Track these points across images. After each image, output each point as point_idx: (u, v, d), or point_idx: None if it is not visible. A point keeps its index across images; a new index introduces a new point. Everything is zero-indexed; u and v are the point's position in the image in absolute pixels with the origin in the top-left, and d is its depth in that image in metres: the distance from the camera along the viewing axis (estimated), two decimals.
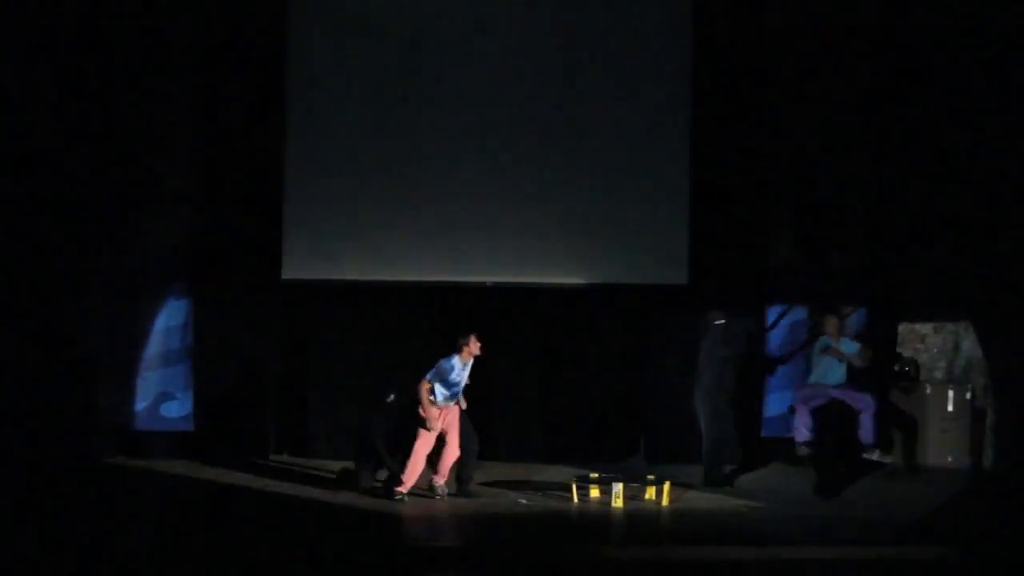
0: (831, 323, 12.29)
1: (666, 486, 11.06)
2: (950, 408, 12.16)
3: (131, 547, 8.83)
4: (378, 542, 9.62)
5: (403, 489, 11.03)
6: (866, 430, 11.87)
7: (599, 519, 10.58)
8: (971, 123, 12.49)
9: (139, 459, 12.32)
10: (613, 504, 10.83)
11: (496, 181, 13.00)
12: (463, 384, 11.32)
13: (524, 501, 11.06)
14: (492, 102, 13.02)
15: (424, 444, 11.13)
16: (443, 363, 11.19)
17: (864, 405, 11.93)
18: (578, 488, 11.09)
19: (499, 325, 13.24)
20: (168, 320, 12.83)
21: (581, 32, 13.09)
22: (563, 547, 9.38)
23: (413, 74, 13.01)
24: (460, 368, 11.26)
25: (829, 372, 12.15)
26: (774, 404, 12.96)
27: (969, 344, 12.43)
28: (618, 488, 10.89)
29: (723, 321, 12.27)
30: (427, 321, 13.07)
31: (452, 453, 11.27)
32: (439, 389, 11.18)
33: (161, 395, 12.77)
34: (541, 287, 13.02)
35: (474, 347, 11.29)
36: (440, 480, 11.26)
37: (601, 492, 11.05)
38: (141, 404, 12.71)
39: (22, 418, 11.99)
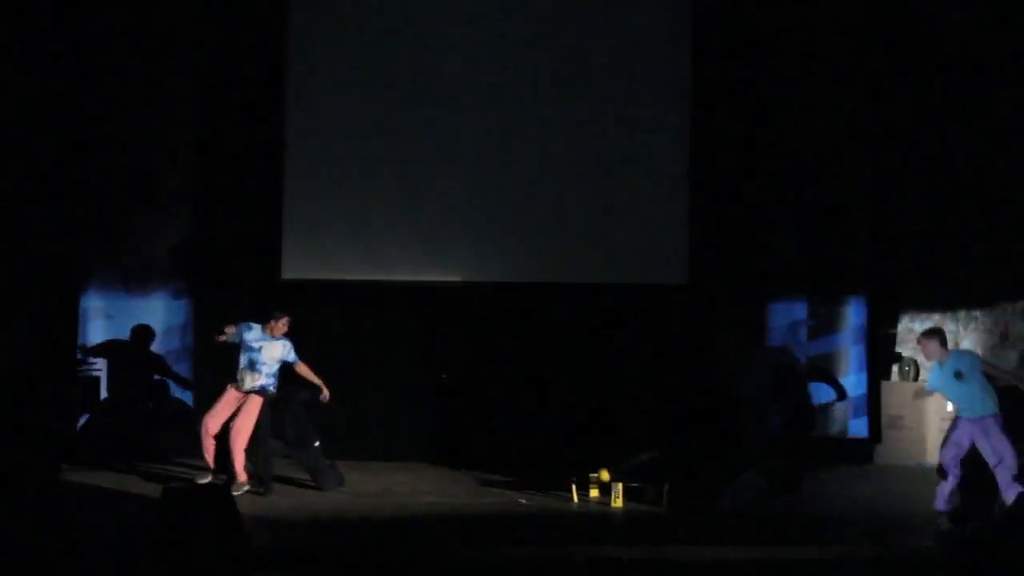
0: (928, 342, 10.12)
1: (665, 486, 11.03)
2: (950, 408, 12.12)
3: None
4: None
5: (240, 478, 10.88)
6: (1006, 492, 9.80)
7: (598, 519, 10.56)
8: (972, 120, 12.48)
9: (137, 459, 12.30)
10: (612, 504, 10.81)
11: (496, 181, 13.01)
12: (263, 363, 11.01)
13: (524, 501, 11.05)
14: (492, 102, 13.04)
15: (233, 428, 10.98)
16: (247, 323, 11.13)
17: (1000, 455, 9.89)
18: (577, 488, 11.07)
19: (499, 325, 13.24)
20: (168, 320, 12.84)
21: (581, 31, 13.10)
22: (561, 547, 9.36)
23: (413, 73, 13.03)
24: (259, 336, 11.06)
25: (973, 400, 10.08)
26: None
27: (969, 344, 12.42)
28: (617, 488, 10.87)
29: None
30: (427, 321, 13.06)
31: (241, 441, 10.96)
32: (241, 355, 11.07)
33: (161, 395, 12.79)
34: (541, 287, 13.02)
35: (279, 326, 11.11)
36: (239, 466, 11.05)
37: (600, 492, 11.03)
38: (140, 404, 12.72)
39: (21, 419, 11.99)
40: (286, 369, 11.23)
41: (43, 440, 11.89)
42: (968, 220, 12.51)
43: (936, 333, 10.28)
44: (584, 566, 8.91)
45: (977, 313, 12.44)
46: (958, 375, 10.10)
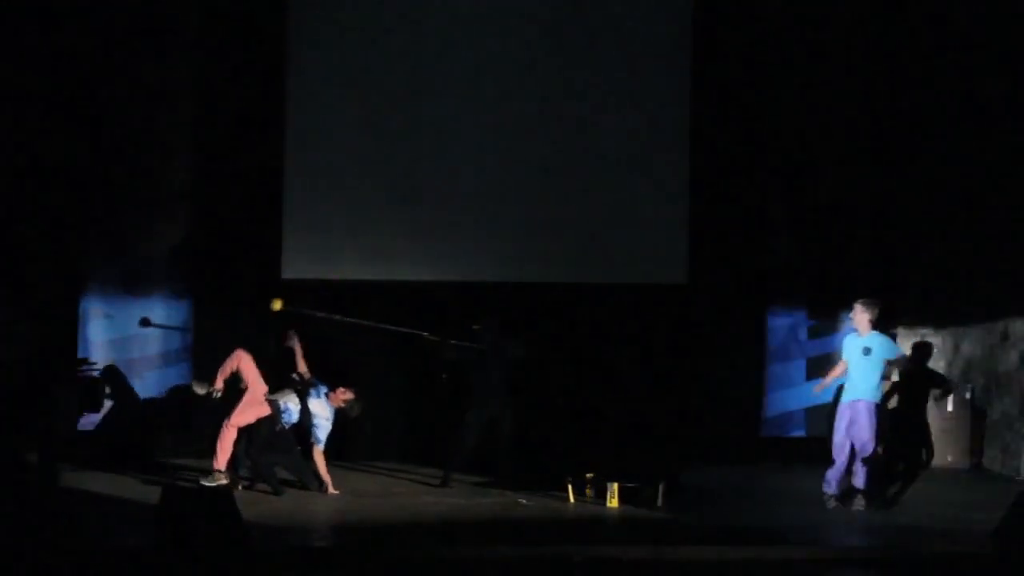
0: (862, 311, 10.51)
1: (660, 486, 11.03)
2: (950, 408, 12.17)
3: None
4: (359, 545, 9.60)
5: (217, 466, 10.88)
6: (858, 477, 10.49)
7: (595, 519, 10.57)
8: (972, 121, 12.49)
9: (137, 459, 12.30)
10: (608, 504, 10.81)
11: (495, 180, 13.02)
12: (299, 405, 11.12)
13: (524, 501, 11.05)
14: (491, 101, 13.04)
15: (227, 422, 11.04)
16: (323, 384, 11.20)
17: (861, 443, 10.45)
18: (574, 488, 11.06)
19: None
20: (168, 320, 12.84)
21: (581, 31, 13.11)
22: (561, 547, 9.36)
23: (413, 74, 13.02)
24: (320, 392, 11.17)
25: (862, 381, 10.55)
26: (773, 404, 12.99)
27: (969, 344, 12.43)
28: (613, 488, 10.86)
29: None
30: (426, 321, 13.04)
31: (230, 435, 10.99)
32: (292, 403, 11.07)
33: (161, 395, 12.80)
34: (541, 286, 13.02)
35: (336, 397, 11.20)
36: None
37: (596, 492, 11.02)
38: (141, 404, 12.73)
39: (21, 420, 11.98)
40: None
41: (43, 441, 11.91)
42: (968, 221, 12.52)
43: (873, 308, 10.54)
44: (583, 566, 8.91)
45: (977, 314, 12.45)
46: (866, 351, 10.42)
